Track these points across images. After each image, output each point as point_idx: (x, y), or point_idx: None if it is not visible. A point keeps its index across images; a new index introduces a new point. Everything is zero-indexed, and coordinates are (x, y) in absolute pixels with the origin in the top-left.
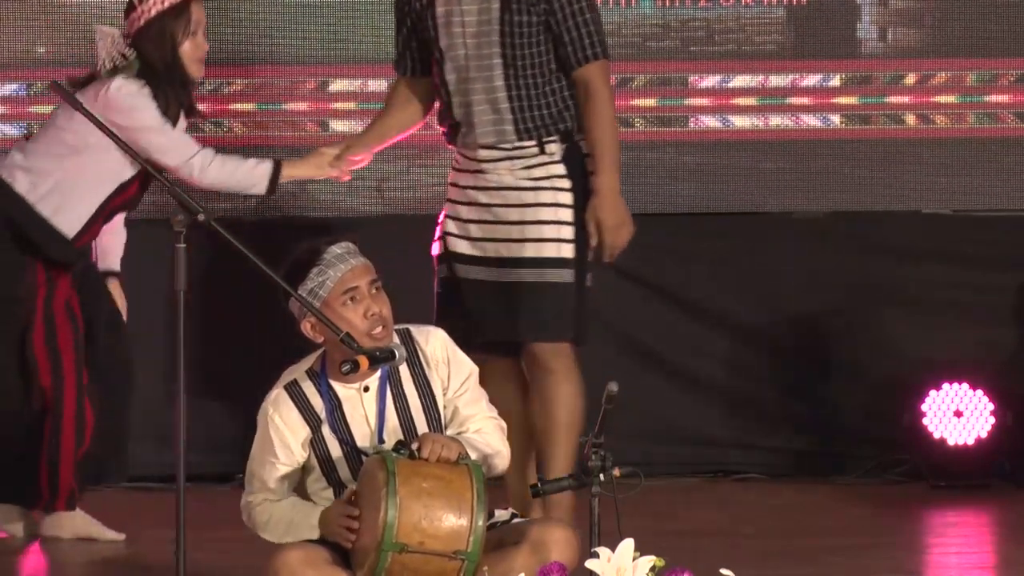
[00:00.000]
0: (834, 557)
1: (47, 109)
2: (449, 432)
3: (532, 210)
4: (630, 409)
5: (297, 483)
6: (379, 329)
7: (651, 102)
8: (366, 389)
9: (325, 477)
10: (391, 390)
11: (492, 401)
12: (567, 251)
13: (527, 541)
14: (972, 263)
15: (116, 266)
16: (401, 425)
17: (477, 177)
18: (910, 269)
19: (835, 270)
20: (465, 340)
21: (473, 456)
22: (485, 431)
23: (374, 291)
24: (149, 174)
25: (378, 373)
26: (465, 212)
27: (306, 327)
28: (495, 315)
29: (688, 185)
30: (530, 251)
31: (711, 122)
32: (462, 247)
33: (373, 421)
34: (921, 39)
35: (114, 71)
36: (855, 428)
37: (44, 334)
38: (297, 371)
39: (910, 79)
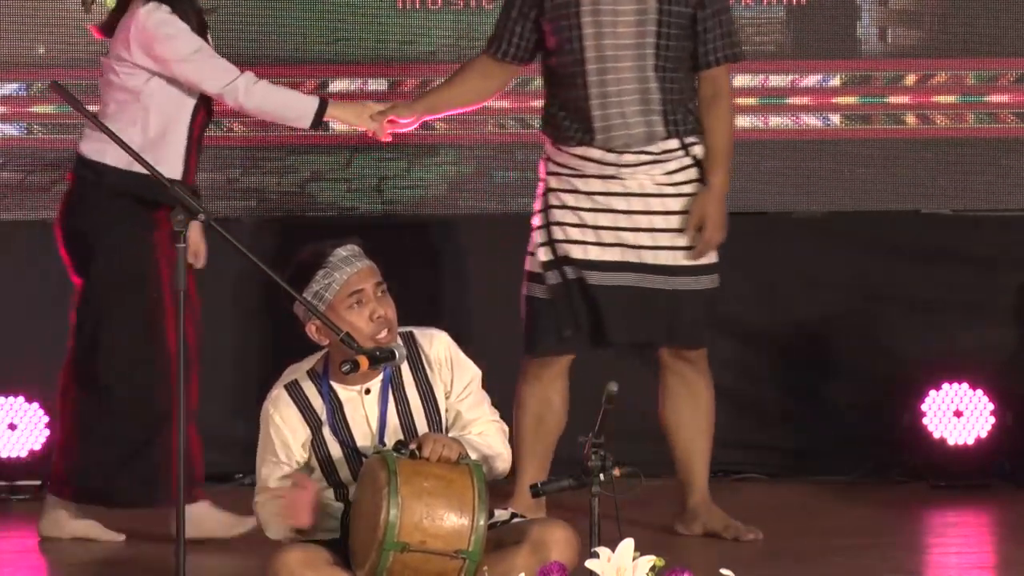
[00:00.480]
0: (834, 557)
1: (47, 109)
2: (451, 435)
3: (679, 218)
4: (630, 409)
5: None
6: (384, 333)
7: None
8: (367, 392)
9: (326, 478)
10: (393, 393)
11: (540, 397)
12: (713, 256)
13: (527, 541)
14: (972, 263)
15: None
16: (402, 427)
17: (609, 183)
18: (910, 269)
19: (835, 270)
20: (580, 343)
21: (474, 457)
22: (487, 434)
23: (379, 294)
24: (206, 100)
25: (380, 376)
26: (591, 218)
27: (311, 329)
28: (643, 320)
29: None
30: (684, 258)
31: None
32: (593, 253)
33: (374, 423)
34: (921, 39)
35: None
36: (855, 428)
37: (175, 318)
38: (298, 371)
39: (910, 79)
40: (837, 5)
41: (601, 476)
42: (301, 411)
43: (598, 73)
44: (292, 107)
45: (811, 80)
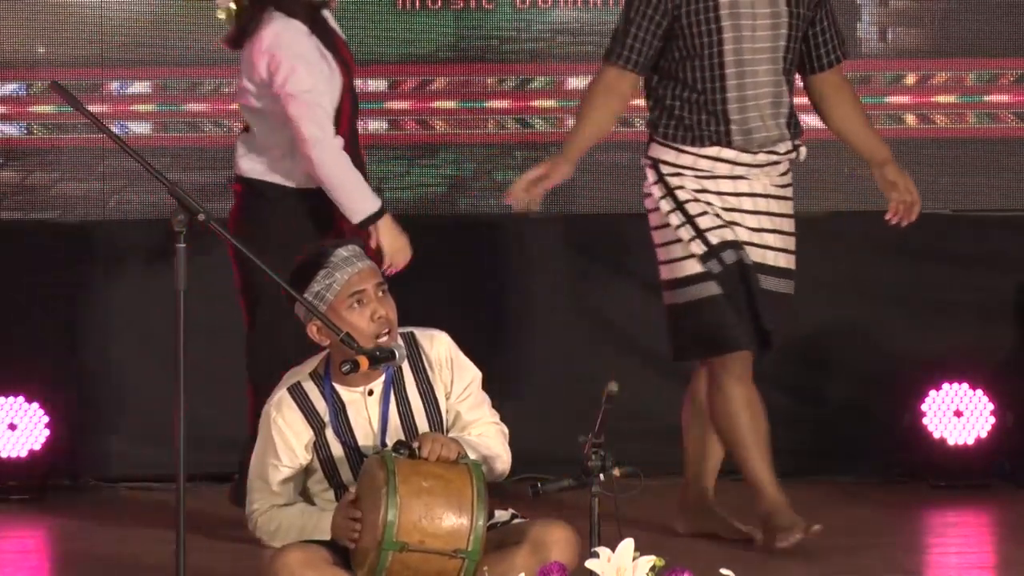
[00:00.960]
0: (834, 557)
1: (47, 109)
2: (450, 436)
3: (781, 220)
4: (630, 409)
5: (302, 487)
6: (384, 333)
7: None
8: (370, 393)
9: (327, 479)
10: (395, 394)
11: (748, 396)
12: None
13: (527, 541)
14: (972, 263)
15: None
16: (403, 428)
17: (738, 183)
18: (910, 269)
19: (835, 270)
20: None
21: (472, 457)
22: (487, 435)
23: (380, 294)
24: (347, 73)
25: (382, 377)
26: (726, 216)
27: (312, 330)
28: (773, 321)
29: None
30: (784, 262)
31: None
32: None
33: (376, 424)
34: (921, 39)
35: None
36: (855, 428)
37: None
38: (300, 373)
39: (910, 79)
40: (837, 5)
41: (601, 476)
42: (304, 413)
43: (737, 77)
44: (353, 197)
45: None
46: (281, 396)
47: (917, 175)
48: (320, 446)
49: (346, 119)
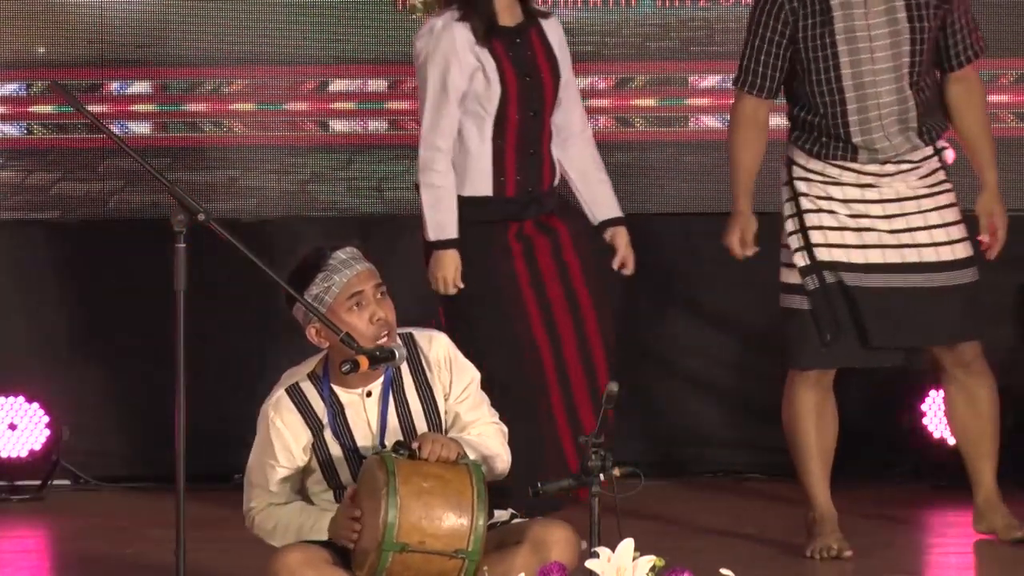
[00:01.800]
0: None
1: (47, 109)
2: (450, 436)
3: (936, 214)
4: (631, 409)
5: (300, 486)
6: (384, 335)
7: (651, 102)
8: (368, 394)
9: (326, 480)
10: (393, 395)
11: (818, 410)
12: (971, 249)
13: (527, 541)
14: None
15: (607, 213)
16: (402, 429)
17: (866, 191)
18: None
19: None
20: (843, 352)
21: (472, 458)
22: (486, 435)
23: (379, 296)
24: (521, 85)
25: (381, 379)
26: (851, 222)
27: (311, 332)
28: (906, 322)
29: (688, 185)
30: (947, 254)
31: (711, 122)
32: (855, 256)
33: (375, 425)
34: None
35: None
36: (855, 428)
37: (540, 318)
38: (298, 373)
39: None
40: None
41: (601, 476)
42: (302, 414)
43: (858, 100)
44: (431, 217)
45: None
46: (279, 397)
47: None
48: (319, 448)
49: (512, 129)
